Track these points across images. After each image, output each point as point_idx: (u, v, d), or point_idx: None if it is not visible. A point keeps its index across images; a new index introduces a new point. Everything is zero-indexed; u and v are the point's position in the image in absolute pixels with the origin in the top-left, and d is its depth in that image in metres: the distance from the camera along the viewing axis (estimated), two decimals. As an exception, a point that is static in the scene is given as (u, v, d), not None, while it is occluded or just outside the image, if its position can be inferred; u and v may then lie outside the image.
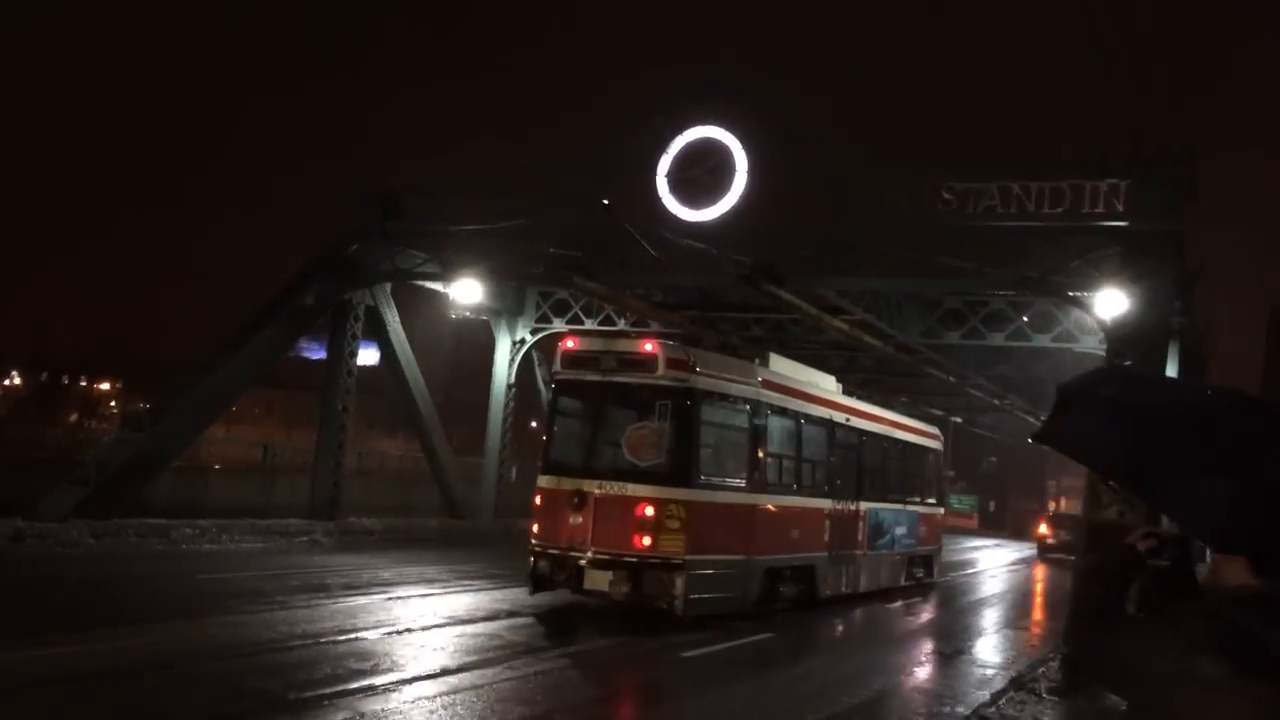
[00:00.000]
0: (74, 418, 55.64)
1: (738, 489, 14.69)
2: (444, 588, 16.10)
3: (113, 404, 67.12)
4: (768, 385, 15.62)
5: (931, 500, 23.36)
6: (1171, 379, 2.81)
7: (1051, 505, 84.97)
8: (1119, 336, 16.76)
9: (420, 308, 31.33)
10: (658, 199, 19.93)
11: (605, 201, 17.08)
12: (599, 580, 13.48)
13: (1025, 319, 22.20)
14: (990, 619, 19.70)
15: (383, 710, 8.53)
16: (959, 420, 42.58)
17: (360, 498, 26.74)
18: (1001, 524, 72.69)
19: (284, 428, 66.57)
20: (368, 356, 27.02)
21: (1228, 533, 2.22)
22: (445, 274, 23.64)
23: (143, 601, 12.88)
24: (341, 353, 24.07)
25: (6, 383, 66.28)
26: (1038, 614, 21.11)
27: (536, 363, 28.46)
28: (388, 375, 26.64)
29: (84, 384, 69.64)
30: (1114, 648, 2.36)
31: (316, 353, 58.62)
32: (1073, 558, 23.06)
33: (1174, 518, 2.37)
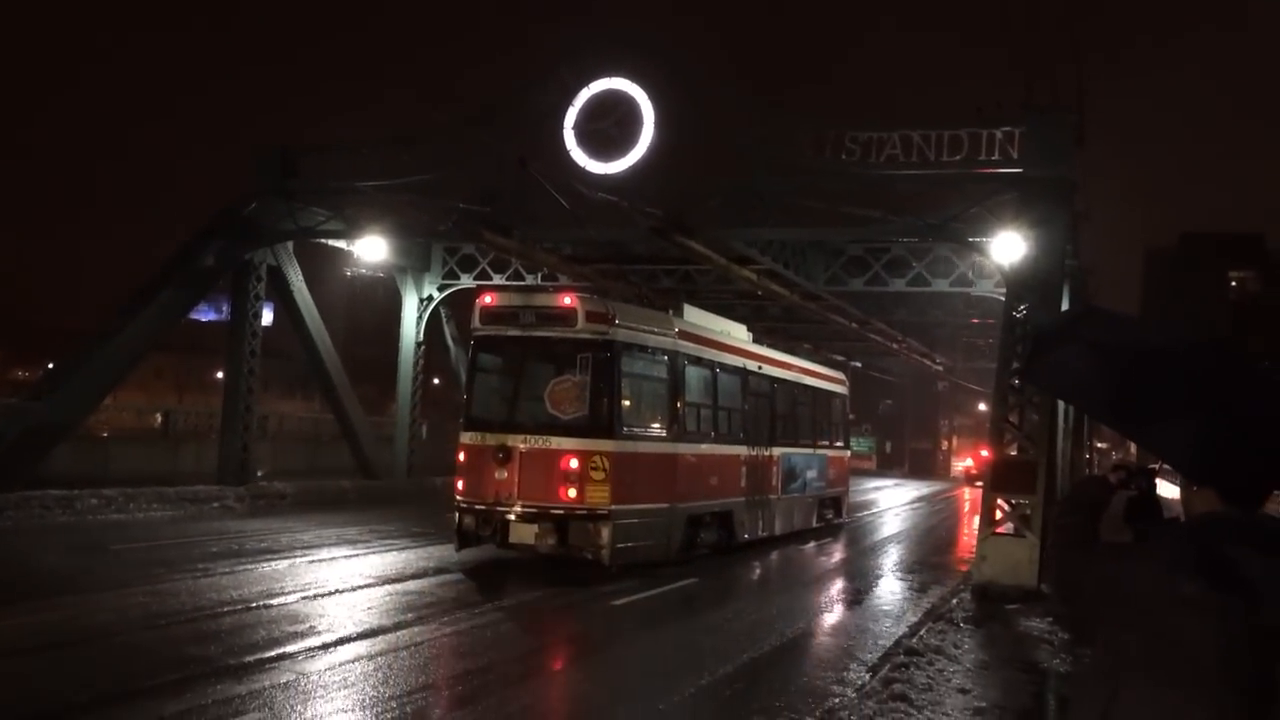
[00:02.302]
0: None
1: (659, 438, 14.95)
2: (366, 548, 16.04)
3: (-12, 372, 64.21)
4: (684, 336, 15.86)
5: (839, 443, 24.07)
6: (1140, 319, 3.01)
7: (944, 443, 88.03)
8: (1017, 280, 17.37)
9: (319, 266, 30.74)
10: (565, 152, 19.86)
11: (522, 159, 16.95)
12: (525, 534, 13.64)
13: (925, 265, 22.83)
14: (900, 555, 20.46)
15: (325, 669, 8.57)
16: (859, 365, 43.64)
17: (268, 461, 26.27)
18: (899, 463, 75.08)
19: (175, 392, 64.60)
20: (265, 317, 26.39)
21: (1202, 465, 2.44)
22: (349, 231, 23.22)
23: (61, 574, 12.57)
24: (245, 314, 23.47)
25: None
26: (943, 548, 22.00)
27: (445, 319, 28.20)
28: (292, 335, 26.12)
29: (-44, 353, 66.37)
30: (1094, 571, 2.59)
31: (206, 314, 56.94)
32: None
33: (1155, 451, 2.59)
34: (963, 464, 58.11)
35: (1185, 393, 2.40)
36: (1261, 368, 2.47)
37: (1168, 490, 2.84)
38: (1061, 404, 15.67)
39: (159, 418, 31.77)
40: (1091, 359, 2.57)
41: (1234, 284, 60.35)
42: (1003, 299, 18.82)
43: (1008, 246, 17.58)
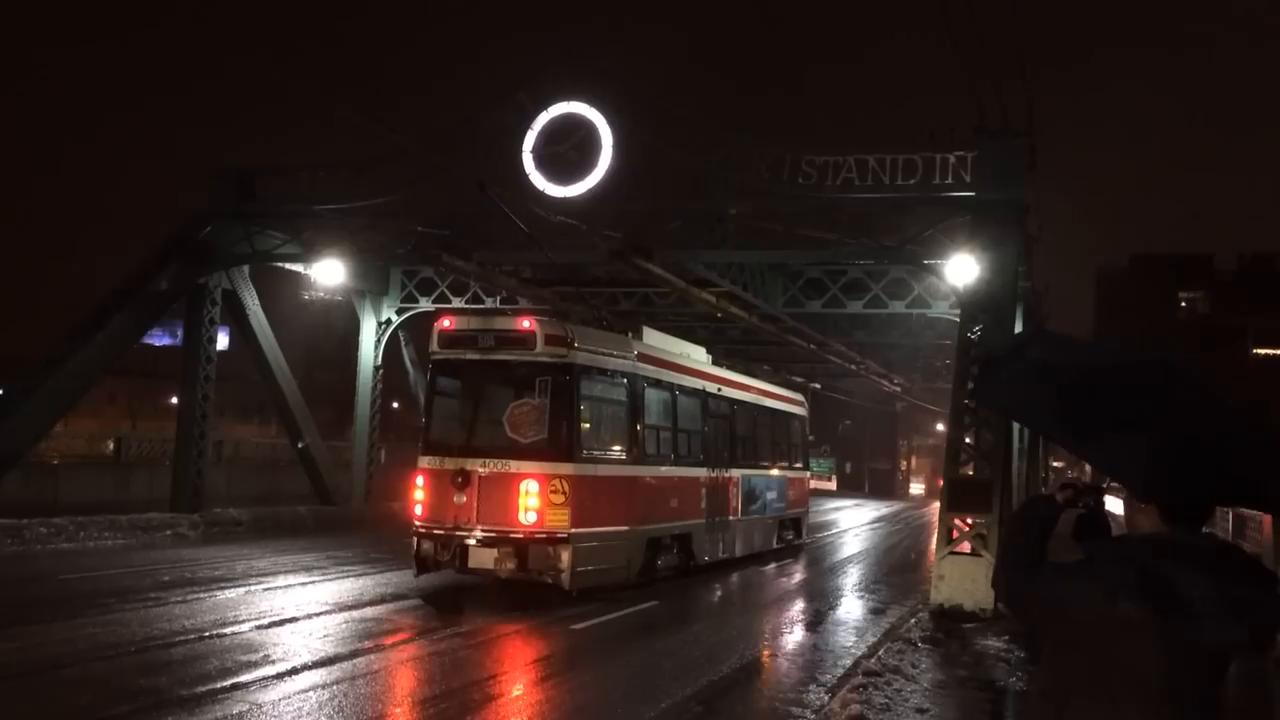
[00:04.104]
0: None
1: (619, 461, 14.94)
2: (323, 575, 15.85)
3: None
4: (643, 358, 15.89)
5: (799, 465, 24.17)
6: (1087, 341, 3.10)
7: (903, 464, 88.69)
8: (971, 302, 17.58)
9: (276, 289, 30.45)
10: (524, 175, 19.82)
11: (481, 183, 16.92)
12: (485, 558, 13.55)
13: (881, 287, 23.06)
14: (859, 575, 20.55)
15: (279, 699, 8.44)
16: (818, 386, 43.90)
17: (222, 488, 25.88)
18: (859, 485, 75.49)
19: (129, 418, 63.58)
20: (220, 341, 26.09)
21: (1153, 481, 2.49)
22: (306, 255, 23.04)
23: (8, 605, 12.25)
24: (199, 338, 23.18)
25: None
26: (902, 568, 22.10)
27: (403, 343, 28.03)
28: (249, 360, 25.81)
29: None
30: (1040, 590, 2.62)
31: (160, 339, 56.19)
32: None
33: (1104, 468, 2.63)
34: (939, 480, 59.14)
35: (1132, 410, 2.45)
36: (1208, 385, 2.54)
37: (1117, 506, 2.87)
38: (1016, 424, 15.86)
39: (111, 444, 31.22)
40: (1039, 378, 2.62)
41: (1184, 304, 61.46)
42: (958, 320, 19.03)
43: (962, 268, 17.80)
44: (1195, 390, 2.53)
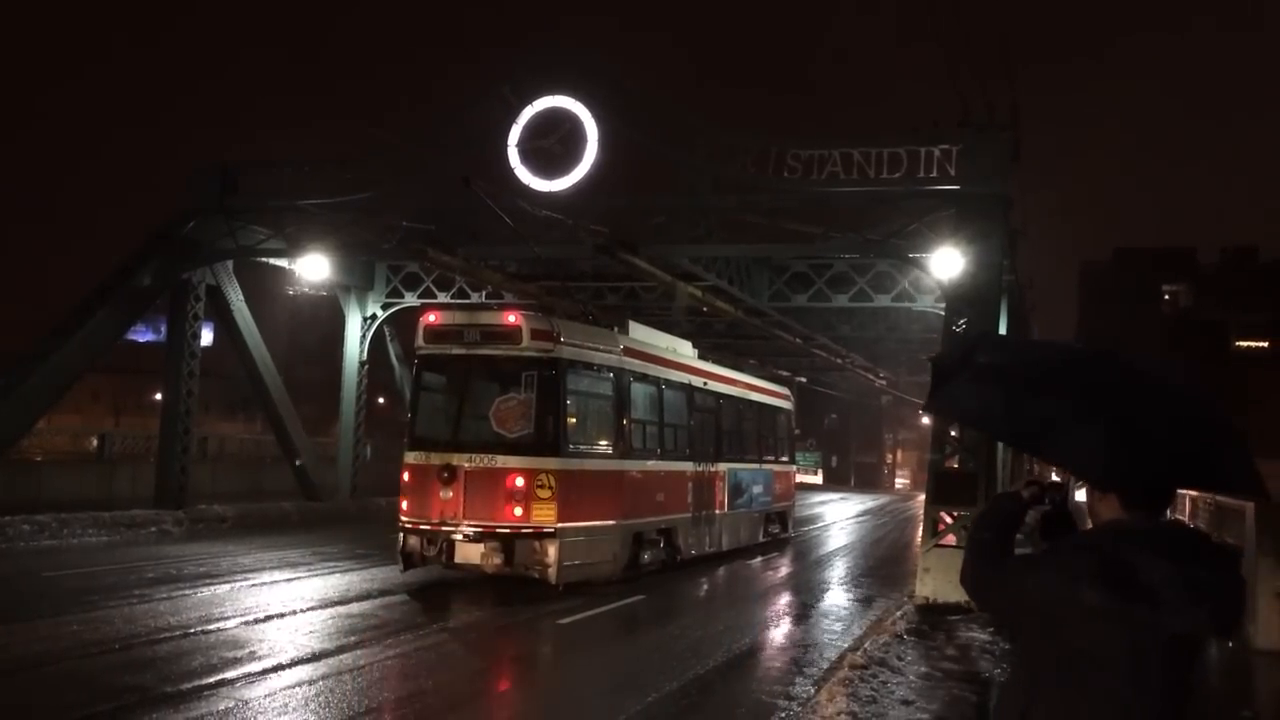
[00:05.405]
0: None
1: (605, 456, 14.95)
2: (309, 571, 15.80)
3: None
4: (629, 353, 15.89)
5: (784, 459, 24.22)
6: (1033, 340, 3.13)
7: (889, 457, 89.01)
8: (955, 295, 17.63)
9: (260, 285, 30.30)
10: (509, 170, 19.78)
11: (466, 177, 16.86)
12: (471, 553, 13.54)
13: (867, 280, 23.11)
14: (845, 569, 20.60)
15: (264, 695, 8.42)
16: (804, 380, 43.97)
17: (207, 484, 25.77)
18: (844, 478, 75.71)
19: (112, 414, 63.23)
20: (204, 337, 25.97)
21: (1109, 469, 2.51)
22: (290, 250, 22.93)
23: (-9, 603, 12.22)
24: (183, 334, 23.07)
25: None
26: (887, 561, 22.16)
27: (389, 338, 27.95)
28: (233, 356, 25.72)
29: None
30: (1005, 583, 2.65)
31: (144, 335, 55.91)
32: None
33: (1059, 464, 2.65)
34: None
35: (1084, 401, 2.48)
36: (1156, 373, 2.57)
37: (1082, 494, 2.89)
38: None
39: (95, 441, 30.97)
40: (990, 382, 2.65)
41: (1166, 297, 61.75)
42: (943, 314, 19.08)
43: (946, 262, 17.83)
44: (1144, 377, 2.57)
